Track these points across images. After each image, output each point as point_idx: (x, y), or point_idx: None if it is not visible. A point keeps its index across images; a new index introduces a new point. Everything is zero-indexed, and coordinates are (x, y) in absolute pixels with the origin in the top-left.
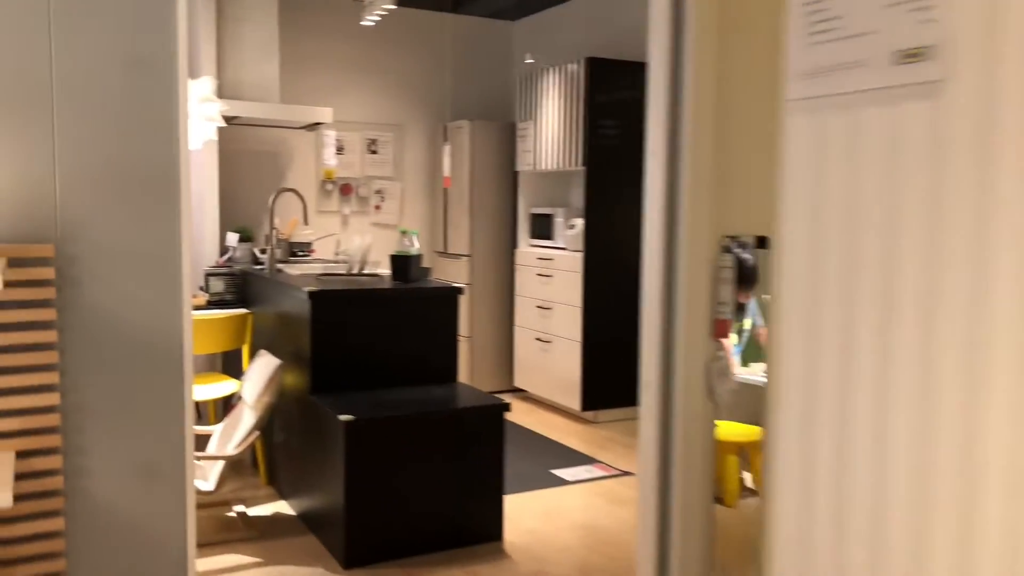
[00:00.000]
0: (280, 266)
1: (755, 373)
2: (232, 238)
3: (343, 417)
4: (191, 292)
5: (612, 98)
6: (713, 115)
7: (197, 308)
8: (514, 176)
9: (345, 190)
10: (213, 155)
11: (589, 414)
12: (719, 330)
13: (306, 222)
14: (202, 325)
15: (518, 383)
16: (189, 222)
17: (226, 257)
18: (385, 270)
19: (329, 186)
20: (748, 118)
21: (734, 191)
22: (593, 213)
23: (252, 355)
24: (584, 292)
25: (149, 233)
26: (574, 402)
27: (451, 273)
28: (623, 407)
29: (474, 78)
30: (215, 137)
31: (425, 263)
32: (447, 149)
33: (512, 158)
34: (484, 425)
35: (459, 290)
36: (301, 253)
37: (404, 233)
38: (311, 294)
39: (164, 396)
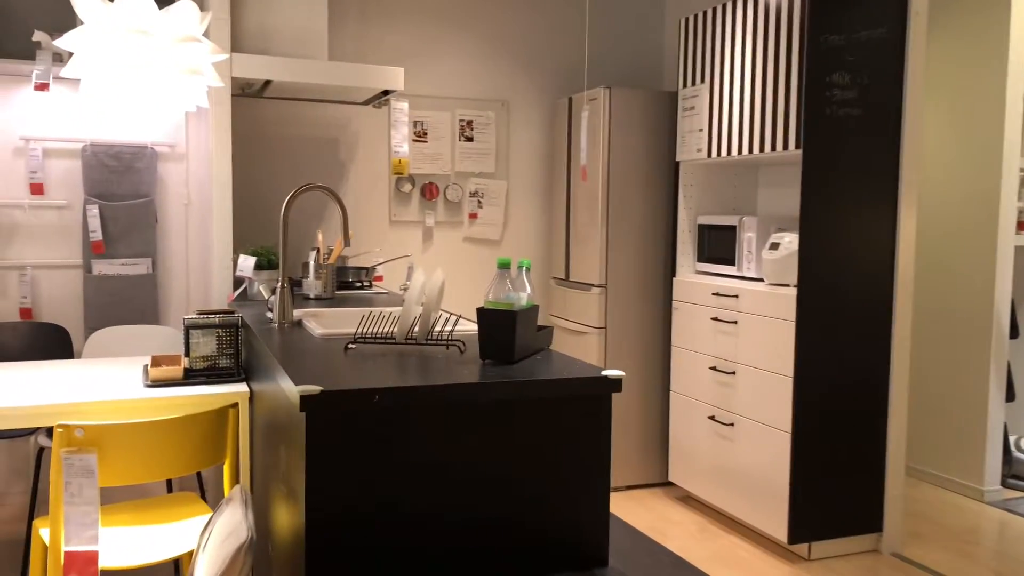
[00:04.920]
0: (308, 311)
1: None
2: (245, 264)
3: None
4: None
5: (850, 40)
6: None
7: (162, 383)
8: (674, 168)
9: (429, 192)
10: (223, 135)
11: (800, 547)
12: None
13: (347, 240)
14: (138, 430)
15: (674, 477)
16: None
17: (238, 293)
18: (472, 327)
19: (406, 186)
20: None
21: None
22: (815, 225)
23: (236, 479)
24: (798, 351)
25: None
26: (775, 525)
27: (576, 311)
28: (853, 535)
29: (615, 27)
30: (208, 105)
31: (544, 309)
32: (584, 122)
33: (671, 141)
34: None
35: (614, 385)
36: (359, 284)
37: (505, 267)
38: (306, 400)
39: None
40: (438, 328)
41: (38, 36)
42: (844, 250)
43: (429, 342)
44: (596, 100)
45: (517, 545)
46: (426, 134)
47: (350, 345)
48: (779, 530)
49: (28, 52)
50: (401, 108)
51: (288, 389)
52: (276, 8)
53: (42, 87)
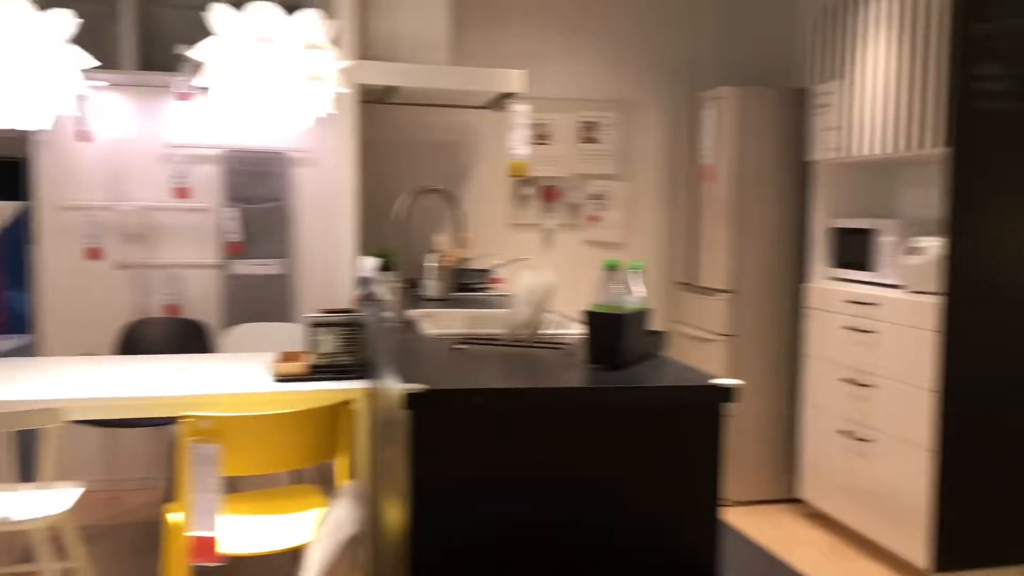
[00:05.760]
0: (423, 312)
1: None
2: (368, 265)
3: None
4: None
5: (1000, 28)
6: None
7: (287, 378)
8: (806, 169)
9: (549, 194)
10: (349, 140)
11: None
12: None
13: (461, 242)
14: (255, 423)
15: (804, 493)
16: None
17: (362, 294)
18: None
19: (526, 189)
20: None
21: None
22: (964, 228)
23: (351, 475)
24: (945, 364)
25: None
26: (915, 550)
27: (700, 317)
28: (1007, 566)
29: (742, 23)
30: (334, 111)
31: (660, 315)
32: (709, 122)
33: (801, 140)
34: None
35: (725, 394)
36: (478, 286)
37: (612, 268)
38: (411, 398)
39: None
40: (547, 331)
41: (181, 49)
42: (999, 255)
43: (536, 344)
44: (722, 99)
45: (621, 555)
46: (548, 137)
47: (457, 345)
48: (920, 556)
49: (175, 65)
50: (521, 111)
51: (396, 386)
52: (401, 16)
53: (184, 96)
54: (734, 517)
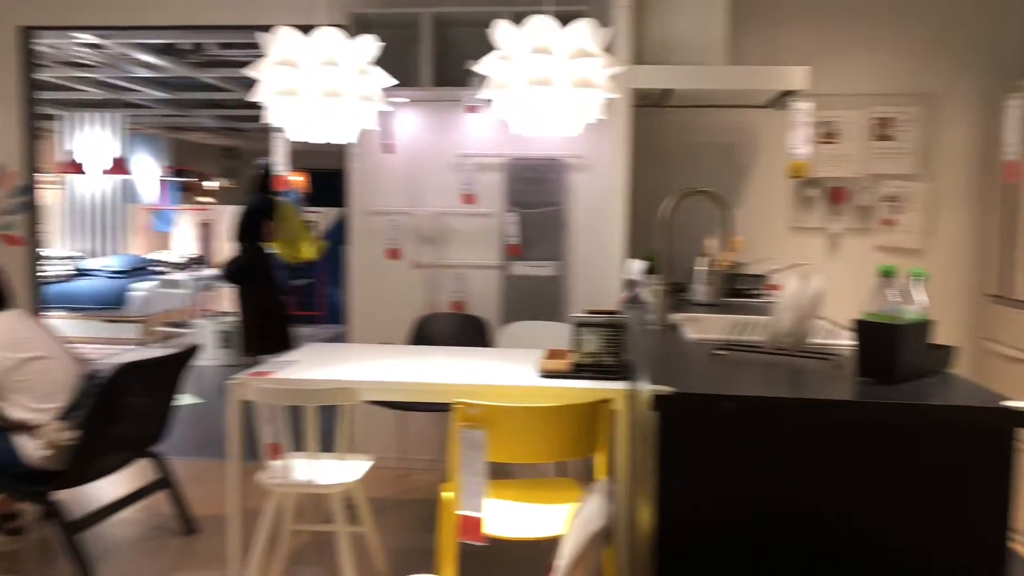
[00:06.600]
0: (687, 316)
1: None
2: (634, 268)
3: None
4: None
5: None
6: None
7: (552, 374)
8: None
9: (836, 196)
10: (621, 145)
11: None
12: None
13: (728, 245)
14: (514, 414)
15: None
16: None
17: (629, 295)
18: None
19: (810, 190)
20: None
21: None
22: None
23: (608, 472)
24: None
25: None
26: None
27: (1015, 335)
28: None
29: None
30: (609, 116)
31: (965, 330)
32: (1014, 111)
33: None
34: None
35: (1017, 419)
36: (752, 290)
37: (887, 274)
38: (659, 401)
39: None
40: (815, 339)
41: (470, 64)
42: None
43: (801, 353)
44: None
45: None
46: (836, 135)
47: (717, 351)
48: None
49: (465, 80)
50: (803, 108)
51: (646, 387)
52: (677, 19)
53: (473, 109)
54: None
